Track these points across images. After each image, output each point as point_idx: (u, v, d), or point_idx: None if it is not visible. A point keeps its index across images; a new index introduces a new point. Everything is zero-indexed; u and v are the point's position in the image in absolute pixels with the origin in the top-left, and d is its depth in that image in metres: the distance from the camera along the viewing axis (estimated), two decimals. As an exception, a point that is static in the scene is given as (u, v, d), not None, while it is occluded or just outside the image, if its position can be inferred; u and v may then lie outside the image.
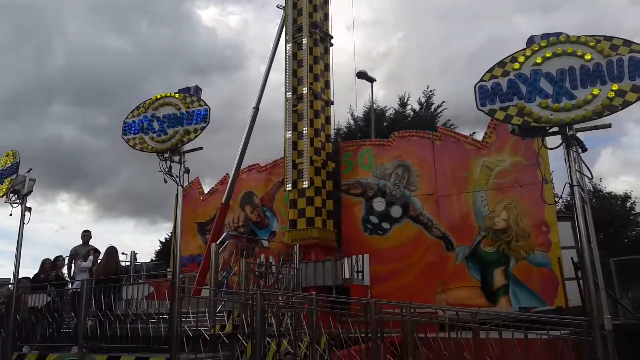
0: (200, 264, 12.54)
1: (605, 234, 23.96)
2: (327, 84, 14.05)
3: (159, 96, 8.04)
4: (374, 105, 22.85)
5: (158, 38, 60.64)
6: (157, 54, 60.21)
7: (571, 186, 5.40)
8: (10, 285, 9.89)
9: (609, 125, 5.70)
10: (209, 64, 59.81)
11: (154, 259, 28.13)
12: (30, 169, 9.78)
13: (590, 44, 5.51)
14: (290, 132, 13.18)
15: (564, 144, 5.51)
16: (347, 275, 10.53)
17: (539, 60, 5.71)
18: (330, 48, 14.34)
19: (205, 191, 16.41)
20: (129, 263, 15.33)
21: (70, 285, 9.76)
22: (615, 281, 12.67)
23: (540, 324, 5.59)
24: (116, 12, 55.98)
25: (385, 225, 12.73)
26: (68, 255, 10.61)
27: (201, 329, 7.23)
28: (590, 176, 5.72)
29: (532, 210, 10.98)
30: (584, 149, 5.67)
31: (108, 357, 7.64)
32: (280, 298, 8.80)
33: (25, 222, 9.46)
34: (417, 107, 24.59)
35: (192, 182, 16.17)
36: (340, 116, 28.48)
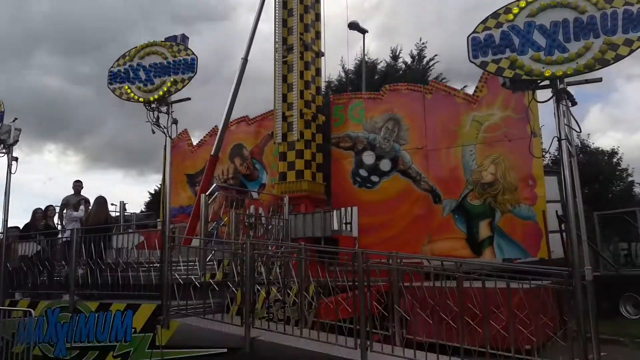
0: (190, 215, 12.62)
1: (591, 189, 24.30)
2: (317, 35, 13.77)
3: (144, 44, 7.87)
4: (366, 58, 22.54)
5: (143, -15, 58.45)
6: (142, 1, 58.22)
7: (559, 140, 5.45)
8: (-1, 234, 9.94)
9: (599, 80, 5.69)
10: (194, 14, 58.00)
11: (143, 210, 28.18)
12: (16, 119, 9.65)
13: (585, -5, 5.42)
14: (279, 83, 13.00)
15: (554, 98, 5.51)
16: (335, 227, 10.67)
17: (533, 11, 5.63)
18: (321, -3, 13.97)
19: (194, 143, 16.30)
20: (118, 213, 15.38)
21: (60, 235, 9.82)
22: (598, 234, 13.02)
23: (522, 274, 5.75)
24: (99, -44, 53.67)
25: (374, 178, 12.81)
26: (59, 205, 10.64)
27: (192, 277, 7.37)
28: (578, 130, 5.76)
29: (519, 164, 11.09)
30: (574, 103, 5.68)
31: (99, 304, 7.78)
32: (269, 248, 8.93)
33: (13, 171, 9.42)
34: (409, 60, 24.29)
35: (181, 134, 16.05)
36: (331, 69, 28.14)
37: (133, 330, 7.22)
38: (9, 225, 9.81)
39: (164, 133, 7.55)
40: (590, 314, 5.49)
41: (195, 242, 9.33)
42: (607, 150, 26.99)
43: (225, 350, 6.41)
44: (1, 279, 9.17)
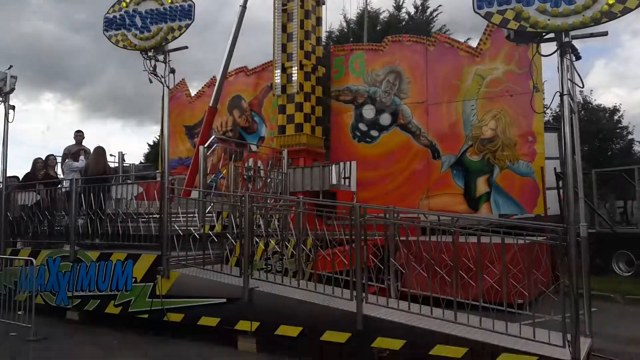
0: (189, 166, 12.62)
1: (590, 146, 24.27)
2: (318, -19, 13.34)
3: (140, -11, 7.62)
4: (368, 8, 21.98)
5: None
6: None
7: (561, 95, 5.36)
8: (-1, 183, 9.96)
9: (605, 33, 5.56)
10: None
11: (142, 161, 28.20)
12: (11, 66, 9.47)
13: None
14: (279, 32, 12.71)
15: (558, 52, 5.39)
16: (334, 181, 10.68)
17: (540, -42, 5.41)
18: (324, -58, 13.44)
19: (192, 94, 16.09)
20: (117, 164, 15.38)
21: (61, 185, 9.85)
22: (595, 192, 13.11)
23: (518, 229, 5.80)
24: None
25: (374, 133, 12.72)
26: (62, 154, 10.63)
27: (191, 228, 7.44)
28: (581, 85, 5.67)
29: (520, 120, 11.00)
30: (578, 57, 5.56)
31: (100, 253, 7.89)
32: (268, 201, 8.98)
33: (10, 120, 9.33)
34: (412, 10, 23.71)
35: (179, 84, 15.78)
36: (333, 19, 27.44)
37: (134, 279, 7.35)
38: (8, 175, 9.83)
39: (162, 82, 7.44)
40: (583, 271, 5.59)
41: (194, 194, 9.37)
42: (609, 108, 26.79)
43: (224, 300, 6.55)
44: (2, 229, 9.27)
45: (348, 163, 11.10)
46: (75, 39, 56.12)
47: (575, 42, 5.50)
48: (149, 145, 31.68)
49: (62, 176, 10.46)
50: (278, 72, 12.69)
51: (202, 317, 6.68)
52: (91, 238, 8.41)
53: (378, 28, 22.10)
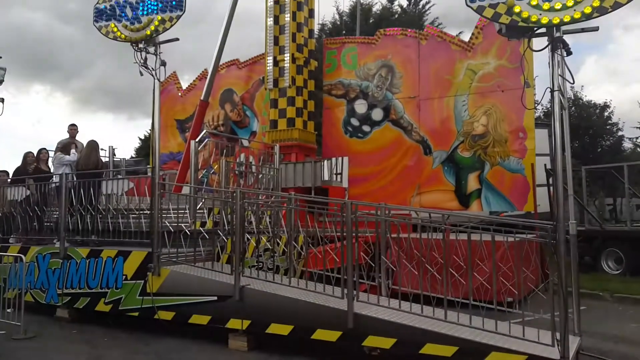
0: (180, 161, 12.55)
1: (580, 142, 24.42)
2: (311, -28, 13.23)
3: (130, -21, 7.52)
4: (361, 0, 21.89)
5: None
6: None
7: (552, 91, 5.37)
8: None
9: (596, 29, 5.57)
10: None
11: (133, 155, 28.02)
12: (0, 57, 9.36)
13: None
14: (271, 24, 12.61)
15: (549, 47, 5.39)
16: (326, 177, 10.67)
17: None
18: None
19: (184, 87, 15.97)
20: (107, 158, 15.24)
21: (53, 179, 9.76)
22: (584, 189, 13.19)
23: (508, 227, 5.83)
24: None
25: (366, 128, 12.71)
26: (55, 148, 10.52)
27: (182, 224, 7.40)
28: (572, 81, 5.69)
29: (511, 116, 11.03)
30: (569, 53, 5.58)
31: (90, 250, 7.84)
32: (259, 197, 8.96)
33: (-1, 112, 9.23)
34: (405, 3, 23.67)
35: (170, 77, 15.66)
36: (325, 11, 27.32)
37: (124, 277, 7.31)
38: (-2, 169, 9.73)
39: (152, 75, 7.38)
40: (572, 269, 5.63)
41: (185, 190, 9.32)
42: (599, 104, 26.93)
43: (215, 298, 6.53)
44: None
45: (340, 159, 11.09)
46: (65, 30, 55.48)
47: (566, 37, 5.51)
48: (140, 139, 31.49)
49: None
50: (270, 65, 12.62)
51: (193, 315, 6.67)
52: (81, 235, 8.34)
53: (371, 21, 22.05)
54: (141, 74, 7.41)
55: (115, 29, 7.52)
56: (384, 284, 6.37)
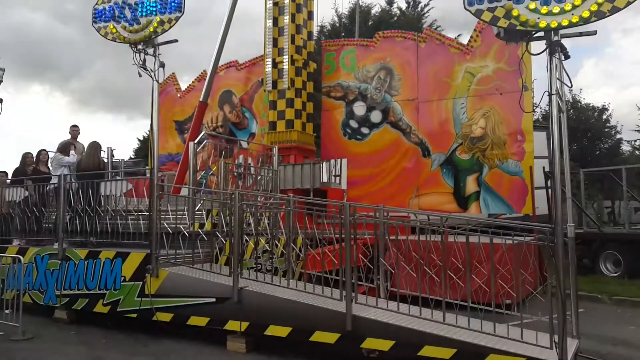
0: (179, 162, 12.54)
1: (579, 145, 24.46)
2: (310, -26, 13.25)
3: (129, -20, 7.53)
4: (360, 2, 21.94)
5: None
6: None
7: (550, 94, 5.39)
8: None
9: (594, 33, 5.60)
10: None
11: (132, 156, 28.02)
12: (-1, 57, 9.36)
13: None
14: (270, 26, 12.62)
15: (547, 50, 5.42)
16: (324, 179, 10.67)
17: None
18: None
19: (183, 88, 15.97)
20: (106, 160, 15.22)
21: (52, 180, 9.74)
22: (583, 192, 13.21)
23: (506, 229, 5.84)
24: None
25: (365, 130, 12.72)
26: (56, 149, 10.50)
27: (180, 226, 7.40)
28: (570, 85, 5.72)
29: (509, 118, 11.05)
30: (567, 56, 5.60)
31: (89, 251, 7.83)
32: (258, 199, 8.96)
33: (-2, 112, 9.22)
34: (404, 5, 23.75)
35: (169, 78, 15.68)
36: (324, 13, 27.36)
37: (122, 278, 7.30)
38: (-2, 170, 9.71)
39: (151, 76, 7.38)
40: (570, 271, 5.64)
41: (184, 191, 9.32)
42: (598, 107, 26.99)
43: (213, 299, 6.53)
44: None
45: (339, 160, 11.07)
46: (65, 31, 55.46)
47: (564, 41, 5.54)
48: (139, 140, 31.49)
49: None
50: (269, 66, 12.63)
51: (191, 317, 6.66)
52: (80, 236, 8.32)
53: (370, 23, 22.10)
54: (140, 75, 7.41)
55: (114, 30, 7.52)
56: (383, 286, 6.38)
